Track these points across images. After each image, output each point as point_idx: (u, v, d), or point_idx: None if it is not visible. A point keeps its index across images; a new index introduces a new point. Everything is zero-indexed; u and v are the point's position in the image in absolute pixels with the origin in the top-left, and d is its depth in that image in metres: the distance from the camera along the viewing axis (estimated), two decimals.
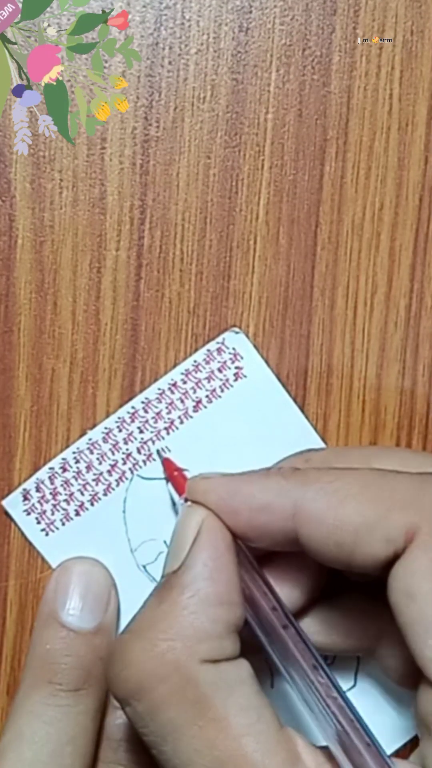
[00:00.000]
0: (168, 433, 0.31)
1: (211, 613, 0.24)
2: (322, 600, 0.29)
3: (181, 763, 0.23)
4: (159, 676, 0.23)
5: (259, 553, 0.27)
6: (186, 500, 0.27)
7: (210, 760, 0.22)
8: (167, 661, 0.23)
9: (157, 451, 0.31)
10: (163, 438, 0.31)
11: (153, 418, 0.31)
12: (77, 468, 0.31)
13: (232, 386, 0.31)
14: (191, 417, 0.31)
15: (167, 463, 0.31)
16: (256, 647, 0.25)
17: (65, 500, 0.31)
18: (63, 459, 0.31)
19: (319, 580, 0.28)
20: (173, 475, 0.30)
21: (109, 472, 0.31)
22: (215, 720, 0.23)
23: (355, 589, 0.29)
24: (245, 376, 0.31)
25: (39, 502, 0.31)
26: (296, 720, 0.29)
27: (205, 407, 0.31)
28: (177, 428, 0.31)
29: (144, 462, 0.31)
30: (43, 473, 0.31)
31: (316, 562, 0.26)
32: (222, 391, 0.31)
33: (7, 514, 0.31)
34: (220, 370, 0.31)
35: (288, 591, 0.27)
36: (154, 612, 0.24)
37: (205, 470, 0.31)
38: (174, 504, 0.31)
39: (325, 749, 0.24)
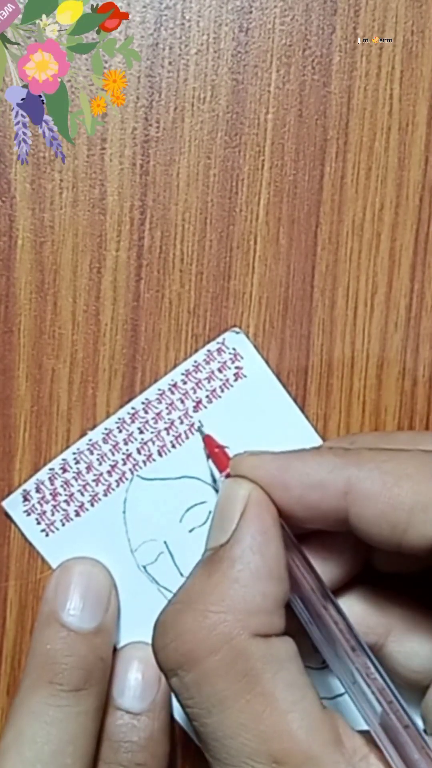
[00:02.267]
0: (168, 433, 0.31)
1: (262, 587, 0.24)
2: (363, 582, 0.28)
3: (224, 736, 0.23)
4: (210, 648, 0.23)
5: (296, 533, 0.27)
6: (227, 476, 0.27)
7: (255, 735, 0.22)
8: (219, 633, 0.23)
9: (198, 428, 0.31)
10: (162, 439, 0.31)
11: (153, 418, 0.31)
12: (77, 469, 0.31)
13: (232, 386, 0.31)
14: (191, 417, 0.31)
15: (208, 440, 0.31)
16: (293, 628, 0.25)
17: (65, 501, 0.31)
18: (63, 460, 0.31)
19: (356, 561, 0.28)
20: (214, 451, 0.30)
21: (109, 472, 0.31)
22: (263, 694, 0.23)
23: (365, 583, 0.29)
24: (245, 376, 0.31)
25: (39, 502, 0.31)
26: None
27: (206, 407, 0.31)
28: (177, 428, 0.31)
29: (144, 462, 0.31)
30: (43, 474, 0.31)
31: (353, 543, 0.26)
32: (222, 391, 0.31)
33: (7, 514, 0.31)
34: (220, 371, 0.31)
35: (326, 570, 0.27)
36: (204, 584, 0.24)
37: (206, 469, 0.31)
38: (214, 481, 0.31)
39: (362, 734, 0.24)
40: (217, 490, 0.31)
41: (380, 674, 0.24)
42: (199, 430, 0.31)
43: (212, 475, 0.31)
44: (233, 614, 0.23)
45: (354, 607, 0.28)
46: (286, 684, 0.23)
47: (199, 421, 0.31)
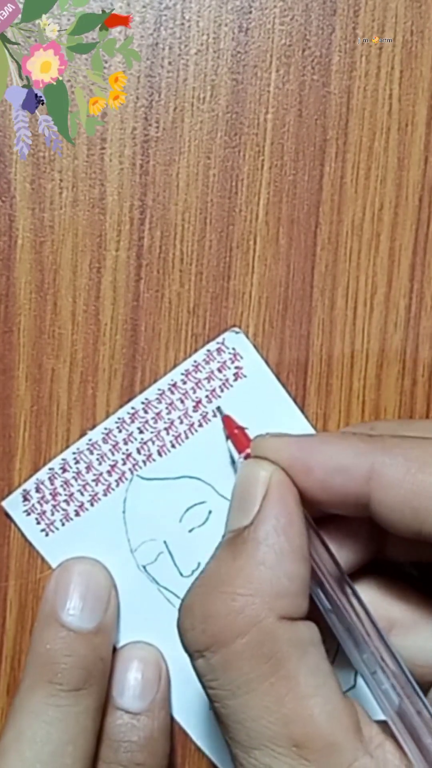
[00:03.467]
0: (168, 433, 0.31)
1: (287, 569, 0.24)
2: (378, 567, 0.28)
3: (247, 718, 0.23)
4: (237, 630, 0.23)
5: (314, 517, 0.27)
6: (246, 457, 0.27)
7: (277, 718, 0.22)
8: (247, 615, 0.23)
9: (218, 408, 0.31)
10: (162, 439, 0.31)
11: (153, 418, 0.31)
12: (77, 468, 0.31)
13: (232, 386, 0.31)
14: (191, 417, 0.31)
15: (227, 421, 0.31)
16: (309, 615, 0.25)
17: (65, 501, 0.31)
18: (63, 459, 0.31)
19: (373, 546, 0.28)
20: (234, 432, 0.30)
21: (109, 472, 0.31)
22: (287, 678, 0.23)
23: (371, 574, 0.28)
24: (245, 376, 0.31)
25: (39, 502, 0.31)
26: None
27: (205, 407, 0.31)
28: (177, 428, 0.31)
29: (144, 462, 0.31)
30: (43, 474, 0.31)
31: (369, 529, 0.26)
32: (222, 391, 0.31)
33: (7, 514, 0.31)
34: (220, 370, 0.31)
35: (342, 554, 0.27)
36: (229, 567, 0.24)
37: (206, 469, 0.31)
38: (233, 462, 0.31)
39: (378, 723, 0.24)
40: (236, 471, 0.31)
41: (397, 661, 0.24)
42: (218, 410, 0.31)
43: (231, 456, 0.31)
44: (261, 597, 0.23)
45: (365, 591, 0.28)
46: (310, 668, 0.23)
47: (218, 407, 0.31)
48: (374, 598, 0.28)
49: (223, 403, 0.31)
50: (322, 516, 0.27)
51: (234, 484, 0.27)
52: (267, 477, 0.25)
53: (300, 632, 0.23)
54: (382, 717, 0.24)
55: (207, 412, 0.31)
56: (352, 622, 0.25)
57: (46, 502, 0.31)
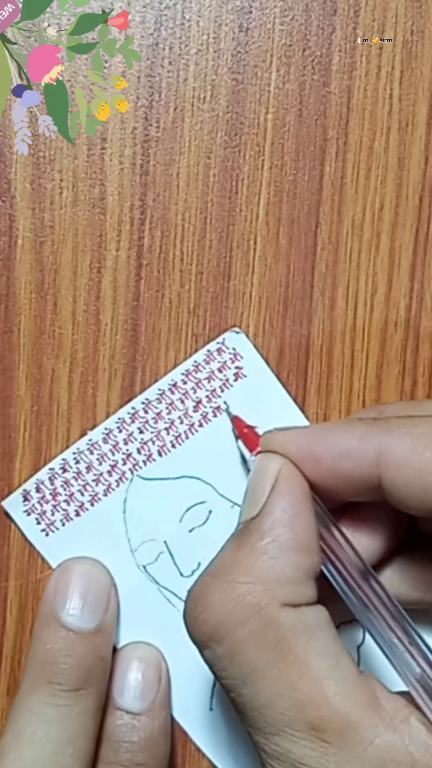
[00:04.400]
0: (168, 433, 0.31)
1: (291, 559, 0.24)
2: (400, 553, 0.28)
3: (261, 706, 0.23)
4: (239, 619, 0.23)
5: (332, 507, 0.27)
6: (257, 455, 0.27)
7: (291, 703, 0.22)
8: (248, 603, 0.23)
9: (226, 408, 0.31)
10: (162, 439, 0.31)
11: (153, 418, 0.31)
12: (77, 468, 0.31)
13: (232, 386, 0.31)
14: (191, 417, 0.31)
15: (237, 421, 0.31)
16: (329, 599, 0.25)
17: (65, 501, 0.31)
18: (63, 459, 0.31)
19: (395, 532, 0.28)
20: (243, 431, 0.30)
21: (109, 472, 0.31)
22: (296, 663, 0.23)
23: (401, 555, 0.29)
24: (245, 376, 0.31)
25: (39, 502, 0.31)
26: None
27: (206, 407, 0.31)
28: (177, 428, 0.31)
29: (144, 462, 0.31)
30: (43, 474, 0.31)
31: (389, 515, 0.26)
32: (222, 391, 0.31)
33: (7, 514, 0.31)
34: (220, 370, 0.31)
35: (364, 543, 0.27)
36: (233, 556, 0.24)
37: (206, 469, 0.31)
38: (245, 462, 0.31)
39: (401, 695, 0.24)
40: (247, 470, 0.31)
41: (421, 639, 0.24)
42: (227, 411, 0.31)
43: (242, 456, 0.31)
44: (262, 585, 0.23)
45: (422, 564, 0.28)
46: (319, 651, 0.23)
47: (225, 402, 0.31)
48: (406, 578, 0.28)
49: (223, 403, 0.31)
50: (340, 506, 0.27)
51: (248, 480, 0.27)
52: (276, 470, 0.26)
53: (305, 617, 0.23)
54: (402, 688, 0.24)
55: (207, 412, 0.31)
56: (371, 605, 0.25)
57: (47, 502, 0.31)
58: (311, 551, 0.24)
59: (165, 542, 0.31)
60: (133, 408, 0.31)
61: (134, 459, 0.31)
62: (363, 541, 0.27)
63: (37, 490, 0.31)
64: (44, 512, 0.31)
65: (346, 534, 0.26)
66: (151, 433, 0.31)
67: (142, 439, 0.31)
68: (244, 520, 0.25)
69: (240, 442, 0.30)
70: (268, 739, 0.23)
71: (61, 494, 0.31)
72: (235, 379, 0.31)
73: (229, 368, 0.31)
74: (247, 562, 0.24)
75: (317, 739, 0.22)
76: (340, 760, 0.22)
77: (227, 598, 0.23)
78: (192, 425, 0.31)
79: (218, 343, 0.31)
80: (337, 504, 0.27)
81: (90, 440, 0.31)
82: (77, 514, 0.31)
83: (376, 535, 0.27)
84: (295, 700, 0.22)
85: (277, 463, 0.26)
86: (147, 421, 0.31)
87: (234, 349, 0.31)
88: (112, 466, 0.31)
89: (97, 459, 0.31)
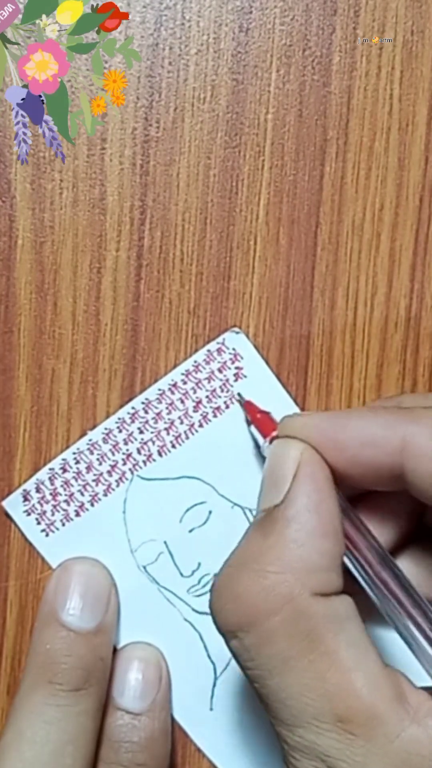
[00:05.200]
0: (168, 434, 0.31)
1: (319, 546, 0.23)
2: (416, 544, 0.28)
3: (287, 697, 0.23)
4: (270, 609, 0.23)
5: (347, 496, 0.27)
6: (272, 441, 0.27)
7: (319, 694, 0.22)
8: (279, 593, 0.23)
9: (238, 394, 0.31)
10: (162, 439, 0.31)
11: (153, 418, 0.31)
12: (77, 468, 0.31)
13: (232, 386, 0.31)
14: (191, 417, 0.31)
15: (249, 406, 0.30)
16: (348, 589, 0.25)
17: (65, 501, 0.31)
18: (63, 459, 0.31)
19: (407, 524, 0.28)
20: (257, 417, 0.30)
21: (109, 472, 0.31)
22: (326, 653, 0.22)
23: (415, 544, 0.28)
24: (245, 377, 0.31)
25: (39, 502, 0.31)
26: None
27: (205, 407, 0.31)
28: (177, 428, 0.31)
29: (144, 462, 0.31)
30: (43, 474, 0.31)
31: (403, 506, 0.26)
32: (222, 391, 0.31)
33: (7, 514, 0.31)
34: (220, 371, 0.31)
35: (379, 531, 0.27)
36: (260, 545, 0.24)
37: (206, 469, 0.31)
38: (257, 447, 0.31)
39: (426, 689, 0.23)
40: (261, 456, 0.31)
41: None
42: (239, 396, 0.31)
43: (255, 441, 0.31)
44: (292, 574, 0.23)
45: (404, 567, 0.28)
46: (348, 642, 0.23)
47: (239, 393, 0.31)
48: (420, 566, 0.28)
49: (223, 403, 0.31)
50: (356, 494, 0.27)
51: (264, 466, 0.26)
52: (297, 455, 0.25)
53: (335, 607, 0.23)
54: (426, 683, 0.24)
55: (207, 412, 0.31)
56: (391, 594, 0.25)
57: (47, 502, 0.31)
58: (337, 537, 0.24)
59: (165, 542, 0.31)
60: (133, 408, 0.31)
61: (134, 459, 0.31)
62: (377, 530, 0.27)
63: (37, 490, 0.31)
64: (44, 512, 0.31)
65: (363, 520, 0.26)
66: (151, 433, 0.31)
67: (142, 439, 0.31)
68: (266, 508, 0.25)
69: (253, 428, 0.30)
70: (292, 731, 0.23)
71: (61, 494, 0.31)
72: (235, 379, 0.31)
73: (229, 368, 0.31)
74: (276, 550, 0.23)
75: (344, 731, 0.22)
76: (367, 753, 0.22)
77: (257, 588, 0.23)
78: (192, 425, 0.31)
79: (218, 343, 0.31)
80: (351, 493, 0.27)
81: (90, 440, 0.31)
82: (77, 515, 0.31)
83: (388, 525, 0.27)
84: (324, 691, 0.22)
85: (297, 449, 0.25)
86: (147, 421, 0.31)
87: (234, 349, 0.31)
88: (112, 466, 0.31)
89: (97, 459, 0.31)
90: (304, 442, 0.26)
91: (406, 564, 0.28)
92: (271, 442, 0.28)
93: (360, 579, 0.26)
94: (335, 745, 0.22)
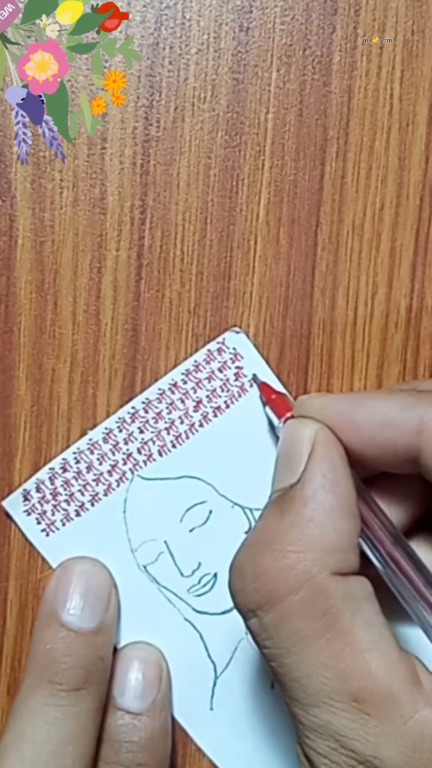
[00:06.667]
0: (168, 433, 0.31)
1: (337, 525, 0.24)
2: (427, 530, 0.28)
3: (303, 675, 0.23)
4: (290, 587, 0.23)
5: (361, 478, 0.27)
6: (287, 421, 0.27)
7: (334, 673, 0.22)
8: (299, 572, 0.23)
9: (253, 375, 0.31)
10: (163, 438, 0.31)
11: (153, 418, 0.31)
12: (77, 468, 0.31)
13: (232, 386, 0.31)
14: (191, 417, 0.31)
15: (264, 387, 0.31)
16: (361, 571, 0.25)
17: (65, 500, 0.31)
18: (63, 459, 0.31)
19: (419, 508, 0.28)
20: (272, 398, 0.30)
21: (109, 472, 0.31)
22: (342, 633, 0.22)
23: (425, 529, 0.28)
24: (245, 376, 0.31)
25: (39, 502, 0.31)
26: None
27: (206, 407, 0.31)
28: (177, 428, 0.31)
29: (144, 462, 0.31)
30: (43, 473, 0.31)
31: (417, 488, 0.26)
32: (222, 391, 0.31)
33: (7, 514, 0.31)
34: (220, 370, 0.31)
35: (390, 513, 0.27)
36: (277, 525, 0.24)
37: (206, 469, 0.31)
38: (272, 428, 0.31)
39: None
40: (275, 437, 0.31)
41: None
42: (254, 377, 0.31)
43: (270, 422, 0.31)
44: (312, 553, 0.23)
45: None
46: (365, 623, 0.23)
47: (254, 374, 0.31)
48: (427, 557, 0.28)
49: (224, 403, 0.31)
50: (368, 476, 0.27)
51: (278, 445, 0.26)
52: (312, 435, 0.25)
53: (353, 587, 0.23)
54: None
55: (207, 412, 0.31)
56: (404, 574, 0.25)
57: (47, 502, 0.31)
58: (354, 516, 0.24)
59: (165, 542, 0.31)
60: (133, 408, 0.31)
61: (134, 459, 0.31)
62: (390, 512, 0.27)
63: (38, 489, 0.31)
64: (44, 512, 0.31)
65: (377, 502, 0.26)
66: (152, 432, 0.31)
67: (142, 438, 0.31)
68: (280, 488, 0.25)
69: (268, 409, 0.30)
70: (306, 710, 0.23)
71: (61, 494, 0.31)
72: (235, 379, 0.31)
73: (230, 368, 0.31)
74: (294, 530, 0.23)
75: (358, 710, 0.22)
76: (380, 733, 0.22)
77: (278, 567, 0.23)
78: (192, 425, 0.31)
79: (218, 342, 0.31)
80: (364, 475, 0.27)
81: (90, 440, 0.31)
82: (77, 514, 0.31)
83: (399, 508, 0.27)
84: (339, 670, 0.22)
85: (312, 428, 0.25)
86: (147, 421, 0.31)
87: (234, 349, 0.31)
88: (113, 466, 0.31)
89: (98, 459, 0.31)
90: (319, 422, 0.26)
91: (415, 549, 0.28)
92: (285, 422, 0.27)
93: (373, 558, 0.26)
94: (349, 725, 0.22)
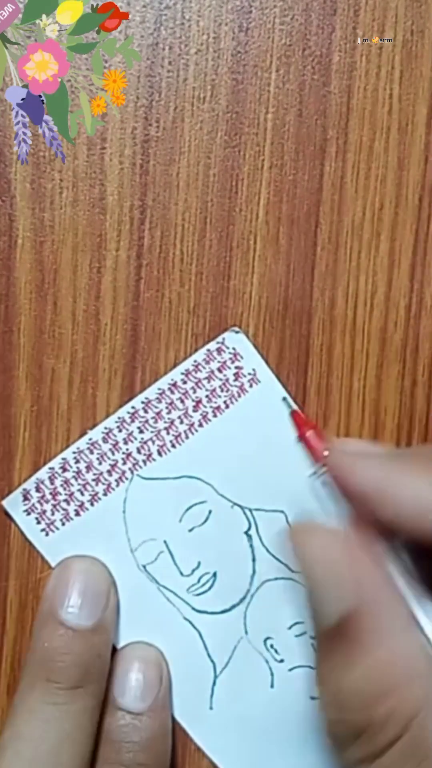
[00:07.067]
0: (168, 433, 0.31)
1: (407, 651, 0.22)
2: None
3: None
4: (393, 733, 0.21)
5: None
6: (323, 467, 0.26)
7: None
8: (402, 716, 0.21)
9: (283, 398, 0.30)
10: (162, 438, 0.31)
11: (153, 418, 0.31)
12: (77, 468, 0.31)
13: (232, 386, 0.31)
14: (191, 417, 0.31)
15: (297, 418, 0.29)
16: None
17: (65, 500, 0.31)
18: (63, 459, 0.31)
19: None
20: (305, 435, 0.28)
21: (109, 472, 0.31)
22: None
23: None
24: (245, 376, 0.31)
25: (39, 502, 0.31)
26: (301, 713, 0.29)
27: (205, 407, 0.31)
28: (177, 428, 0.31)
29: (144, 462, 0.31)
30: (43, 473, 0.31)
31: None
32: (222, 390, 0.31)
33: (7, 514, 0.32)
34: (220, 370, 0.31)
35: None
36: (351, 673, 0.22)
37: (206, 469, 0.31)
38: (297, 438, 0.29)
39: None
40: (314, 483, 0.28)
41: None
42: (284, 400, 0.30)
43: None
44: (402, 692, 0.22)
45: None
46: None
47: (284, 398, 0.30)
48: None
49: (223, 403, 0.31)
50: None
51: (301, 564, 0.24)
52: (334, 558, 0.23)
53: None
54: None
55: (207, 412, 0.31)
56: None
57: (46, 501, 0.31)
58: (414, 630, 0.23)
59: (165, 542, 0.31)
60: (133, 407, 0.31)
61: (134, 458, 0.31)
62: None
63: (37, 489, 0.31)
64: (44, 512, 0.31)
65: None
66: (151, 432, 0.31)
67: (142, 438, 0.31)
68: (326, 627, 0.23)
69: (303, 446, 0.28)
70: None
71: (61, 494, 0.31)
72: (235, 379, 0.31)
73: (229, 368, 0.31)
74: (375, 684, 0.22)
75: None
76: None
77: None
78: (192, 425, 0.31)
79: (218, 342, 0.31)
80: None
81: (90, 439, 0.31)
82: (77, 514, 0.31)
83: None
84: None
85: (331, 551, 0.23)
86: (147, 421, 0.31)
87: (234, 348, 0.31)
88: (112, 466, 0.31)
89: (97, 458, 0.31)
90: (328, 533, 0.24)
91: None
92: (323, 465, 0.26)
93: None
94: None
